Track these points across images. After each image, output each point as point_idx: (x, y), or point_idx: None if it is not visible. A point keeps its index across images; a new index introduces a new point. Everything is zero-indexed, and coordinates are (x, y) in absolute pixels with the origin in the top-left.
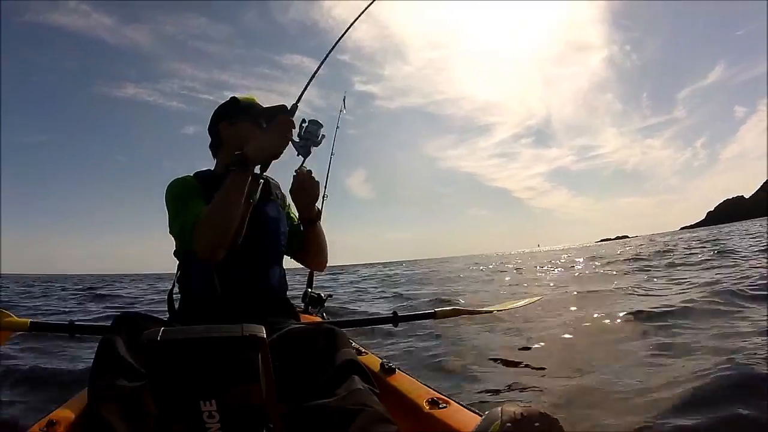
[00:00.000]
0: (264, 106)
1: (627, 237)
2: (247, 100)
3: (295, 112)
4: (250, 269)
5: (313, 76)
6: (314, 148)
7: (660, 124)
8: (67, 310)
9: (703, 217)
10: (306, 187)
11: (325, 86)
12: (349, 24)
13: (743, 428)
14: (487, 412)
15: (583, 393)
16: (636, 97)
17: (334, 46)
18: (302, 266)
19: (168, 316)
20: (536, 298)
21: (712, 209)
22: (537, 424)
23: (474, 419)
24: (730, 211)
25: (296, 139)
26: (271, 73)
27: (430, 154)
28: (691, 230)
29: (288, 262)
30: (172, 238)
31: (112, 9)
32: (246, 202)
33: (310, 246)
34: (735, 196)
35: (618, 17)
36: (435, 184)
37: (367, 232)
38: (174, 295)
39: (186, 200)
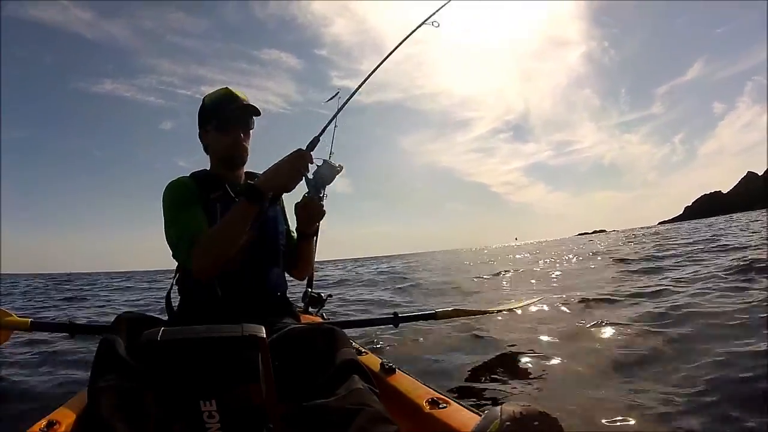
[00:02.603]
0: (231, 105)
1: (604, 231)
2: (213, 100)
3: (315, 147)
4: (249, 269)
5: (336, 114)
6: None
7: (638, 120)
8: None
9: (681, 212)
10: (313, 214)
11: (303, 81)
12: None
13: None
14: (486, 411)
15: (582, 389)
16: (614, 92)
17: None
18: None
19: (167, 317)
20: (536, 299)
21: (690, 204)
22: (536, 423)
23: (474, 419)
24: (707, 206)
25: (310, 176)
26: (249, 67)
27: (408, 148)
28: (668, 224)
29: None
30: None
31: (91, 3)
32: (248, 232)
33: (300, 258)
34: (713, 191)
35: (597, 13)
36: (412, 178)
37: (343, 226)
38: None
39: (183, 209)
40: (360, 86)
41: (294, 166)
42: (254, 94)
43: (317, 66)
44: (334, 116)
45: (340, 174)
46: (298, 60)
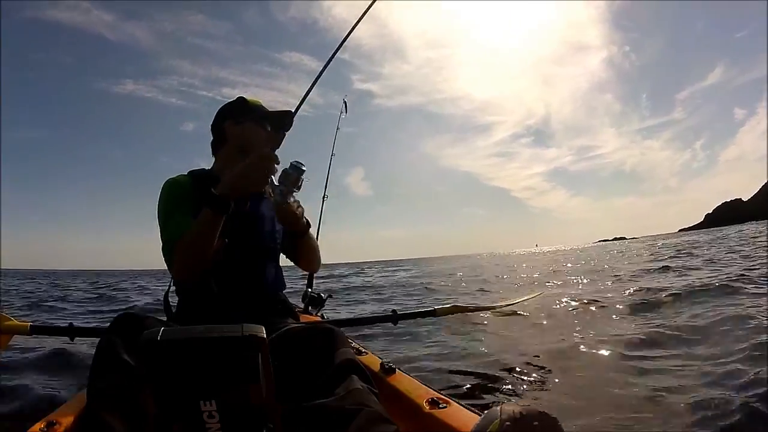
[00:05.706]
0: (270, 110)
1: (624, 238)
2: (254, 102)
3: (280, 143)
4: (246, 268)
5: (304, 98)
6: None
7: (659, 125)
8: None
9: (701, 220)
10: (290, 219)
11: (324, 84)
12: (345, 35)
13: None
14: (486, 411)
15: (581, 390)
16: (635, 98)
17: (329, 60)
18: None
19: (165, 317)
20: (536, 294)
21: (711, 212)
22: (536, 423)
23: (474, 419)
24: (728, 214)
25: (276, 182)
26: (270, 70)
27: (429, 152)
28: (689, 233)
29: (285, 260)
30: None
31: (113, 5)
32: (220, 238)
33: (301, 254)
34: (733, 198)
35: (618, 18)
36: (433, 182)
37: (364, 229)
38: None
39: (174, 211)
40: (335, 53)
41: (258, 170)
42: (276, 97)
43: (339, 69)
44: (302, 100)
45: (305, 174)
46: (319, 63)
